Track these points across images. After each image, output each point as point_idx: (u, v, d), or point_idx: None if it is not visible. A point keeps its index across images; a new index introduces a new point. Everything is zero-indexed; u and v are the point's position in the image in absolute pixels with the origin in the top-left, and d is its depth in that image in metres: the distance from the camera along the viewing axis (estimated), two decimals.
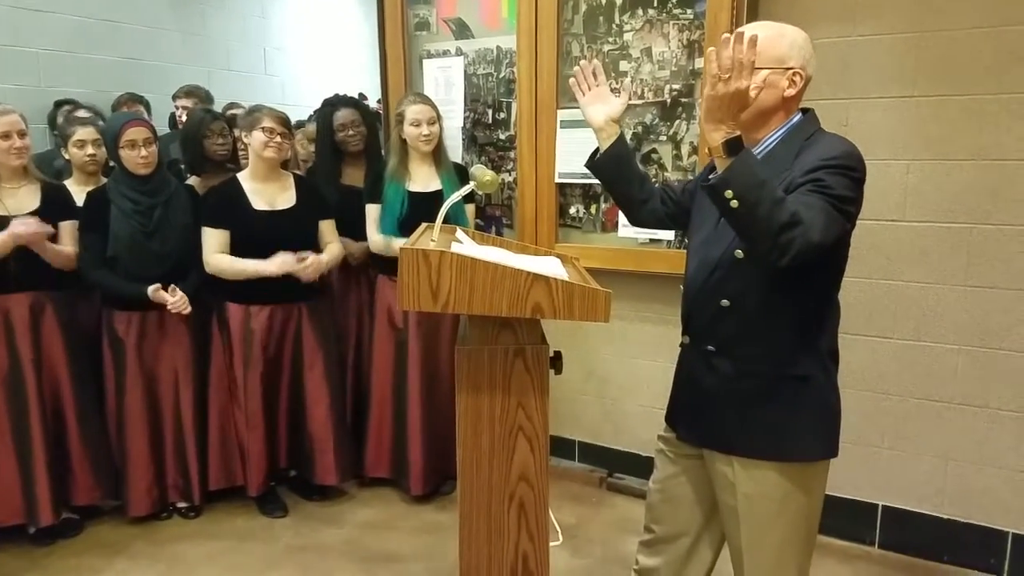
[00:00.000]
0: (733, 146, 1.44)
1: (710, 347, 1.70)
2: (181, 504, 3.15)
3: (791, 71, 1.59)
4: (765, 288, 1.60)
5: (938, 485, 2.73)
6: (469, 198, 3.05)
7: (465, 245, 1.82)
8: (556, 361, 1.83)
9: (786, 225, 1.40)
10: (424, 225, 2.01)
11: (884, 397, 2.77)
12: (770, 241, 1.42)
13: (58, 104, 3.97)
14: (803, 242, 1.42)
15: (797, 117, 1.65)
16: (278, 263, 2.91)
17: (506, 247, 2.04)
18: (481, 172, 1.79)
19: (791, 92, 1.60)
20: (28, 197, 2.79)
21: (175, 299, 2.87)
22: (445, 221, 1.85)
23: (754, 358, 1.65)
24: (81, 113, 3.64)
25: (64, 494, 2.96)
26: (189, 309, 2.91)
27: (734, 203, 1.42)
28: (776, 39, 1.59)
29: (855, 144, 1.58)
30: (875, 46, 2.61)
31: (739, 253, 1.61)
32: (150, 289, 2.84)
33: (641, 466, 3.28)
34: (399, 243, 2.99)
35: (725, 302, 1.65)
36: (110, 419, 3.04)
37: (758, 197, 1.40)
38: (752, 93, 1.46)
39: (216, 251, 2.94)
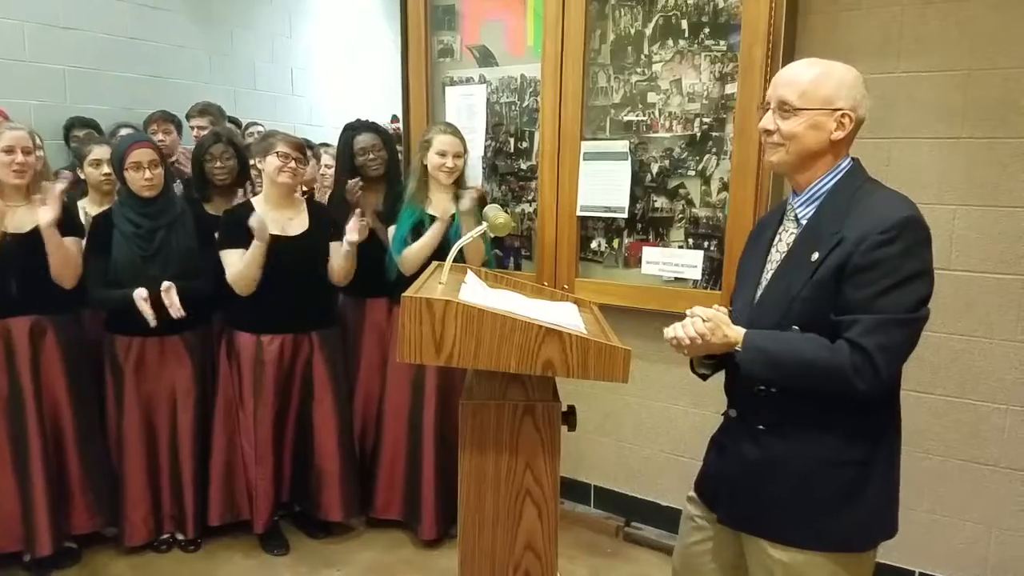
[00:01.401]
0: (736, 356, 1.49)
1: (760, 426, 1.55)
2: (180, 536, 3.06)
3: (839, 112, 1.48)
4: None
5: (981, 554, 2.53)
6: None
7: (475, 289, 1.70)
8: (569, 417, 1.70)
9: (838, 382, 1.41)
10: (434, 264, 1.90)
11: (924, 456, 2.58)
12: (838, 385, 1.42)
13: (69, 125, 3.94)
14: (875, 379, 1.39)
15: (846, 163, 1.53)
16: (258, 243, 2.79)
17: (520, 290, 1.91)
18: (495, 214, 1.67)
19: (839, 135, 1.49)
20: (29, 215, 2.70)
21: (169, 301, 2.72)
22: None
23: (808, 441, 1.51)
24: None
25: (64, 522, 2.87)
26: (177, 307, 2.72)
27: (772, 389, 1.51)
28: (822, 78, 1.49)
29: (906, 197, 1.48)
30: (920, 83, 2.46)
31: (795, 329, 1.47)
32: (136, 292, 2.71)
33: (661, 516, 3.12)
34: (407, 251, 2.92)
35: None
36: (111, 445, 2.97)
37: (772, 376, 1.49)
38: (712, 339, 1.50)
39: None
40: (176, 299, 2.73)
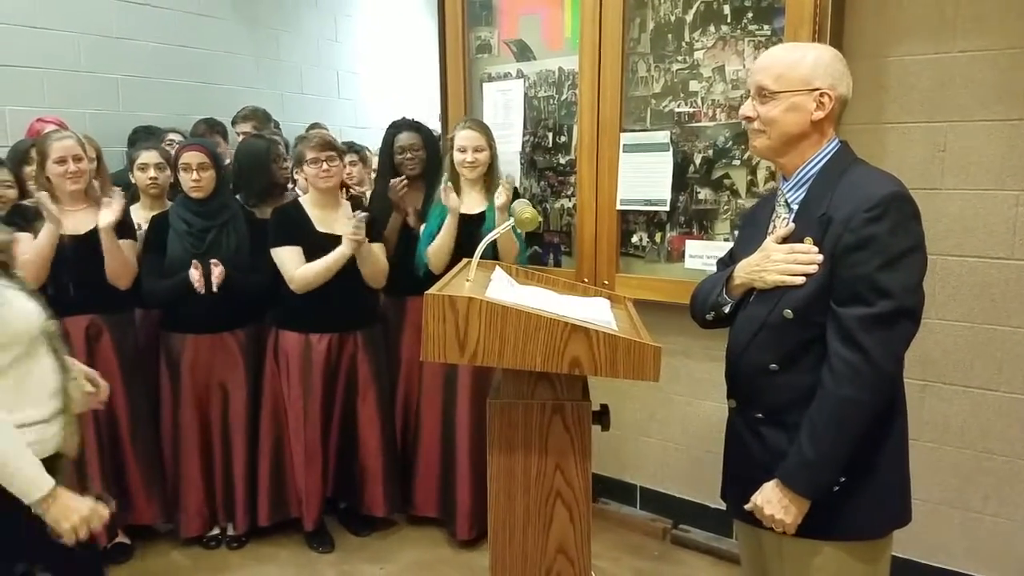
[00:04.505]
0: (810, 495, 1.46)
1: (759, 414, 1.53)
2: (231, 531, 3.11)
3: (817, 91, 1.46)
4: (820, 351, 1.43)
5: None
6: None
7: (502, 285, 1.66)
8: (602, 416, 1.65)
9: (851, 409, 1.40)
10: (464, 261, 1.87)
11: (987, 456, 2.45)
12: (872, 414, 1.42)
13: (134, 132, 4.04)
14: (878, 380, 1.39)
15: (833, 145, 1.51)
16: (347, 244, 2.84)
17: (551, 286, 1.87)
18: (520, 209, 1.64)
19: (820, 114, 1.47)
20: (86, 219, 2.78)
21: (215, 272, 2.81)
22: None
23: None
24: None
25: (122, 515, 2.95)
26: (220, 277, 2.82)
27: (842, 479, 1.45)
28: (798, 60, 1.48)
29: (891, 174, 1.48)
30: (978, 62, 2.33)
31: (788, 313, 1.45)
32: (192, 272, 2.81)
33: (710, 518, 3.03)
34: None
35: (774, 366, 1.49)
36: (165, 440, 3.04)
37: (834, 468, 1.44)
38: None
39: (297, 267, 2.88)
40: (218, 272, 2.81)
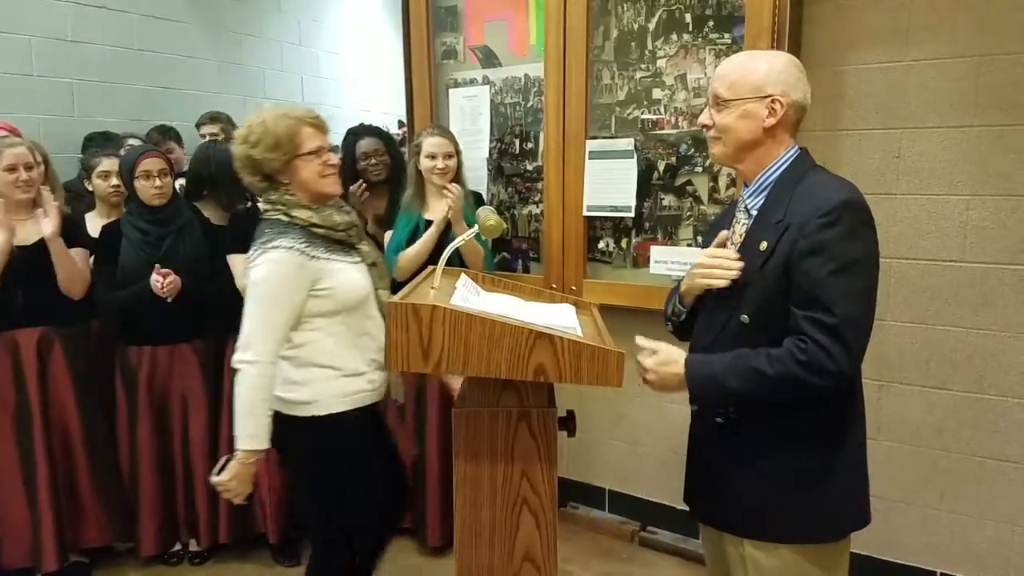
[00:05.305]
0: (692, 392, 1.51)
1: (718, 419, 1.54)
2: (193, 547, 3.04)
3: (769, 98, 1.47)
4: None
5: (1004, 554, 2.45)
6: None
7: (467, 293, 1.67)
8: (568, 422, 1.67)
9: (789, 388, 1.40)
10: (429, 268, 1.87)
11: (943, 454, 2.51)
12: (790, 394, 1.42)
13: (89, 138, 3.95)
14: (834, 378, 1.38)
15: (792, 152, 1.53)
16: None
17: (518, 293, 1.88)
18: (485, 216, 1.64)
19: (771, 121, 1.49)
20: (34, 227, 2.71)
21: (167, 280, 2.74)
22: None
23: (765, 433, 1.50)
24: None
25: (75, 536, 2.87)
26: (174, 287, 2.76)
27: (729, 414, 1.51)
28: (750, 67, 1.50)
29: (848, 180, 1.50)
30: (930, 71, 2.39)
31: (744, 318, 1.48)
32: (152, 277, 2.74)
33: (677, 520, 3.06)
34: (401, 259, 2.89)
35: None
36: (122, 456, 2.96)
37: (730, 404, 1.49)
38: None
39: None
40: (169, 280, 2.74)
